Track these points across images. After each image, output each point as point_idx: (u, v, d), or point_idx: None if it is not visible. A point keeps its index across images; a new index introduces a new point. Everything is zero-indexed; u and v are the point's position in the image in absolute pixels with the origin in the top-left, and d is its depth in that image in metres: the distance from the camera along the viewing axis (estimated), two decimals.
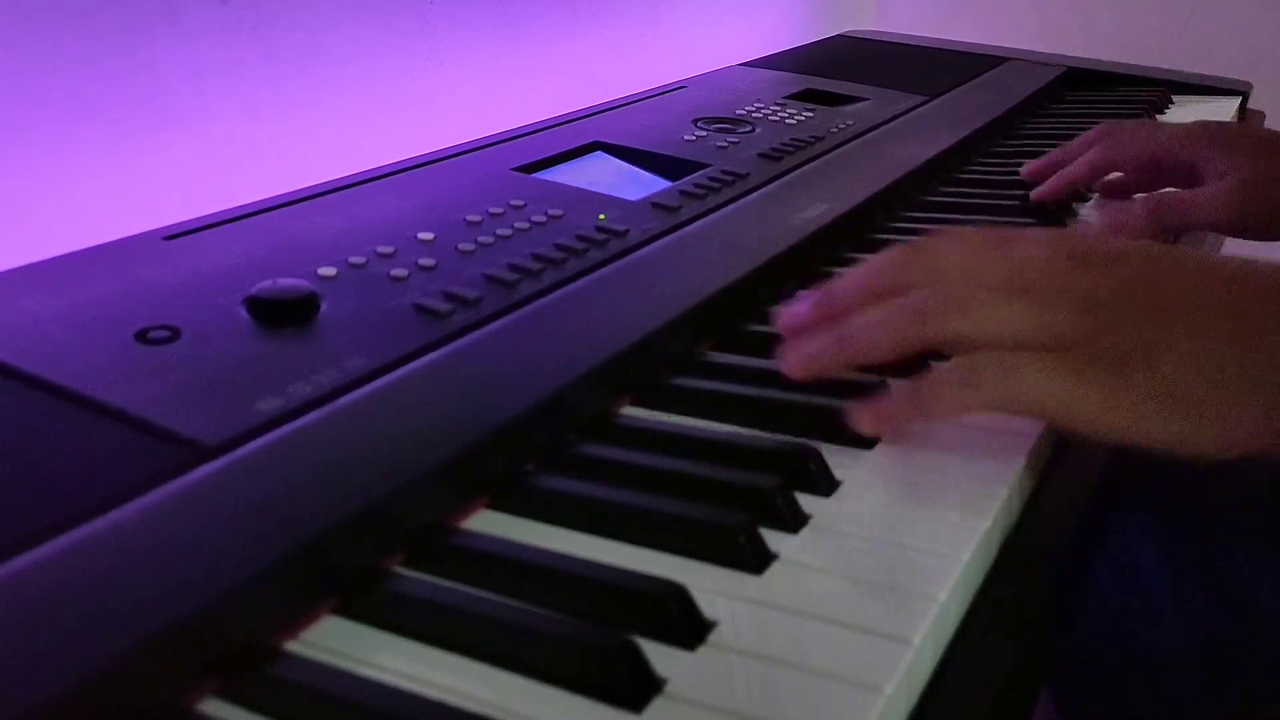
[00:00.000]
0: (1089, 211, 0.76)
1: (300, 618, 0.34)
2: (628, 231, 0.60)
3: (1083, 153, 0.75)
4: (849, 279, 0.46)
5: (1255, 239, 0.69)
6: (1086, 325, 0.41)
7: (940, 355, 0.46)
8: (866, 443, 0.45)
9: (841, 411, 0.44)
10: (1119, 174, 0.77)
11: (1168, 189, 0.72)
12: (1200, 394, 0.39)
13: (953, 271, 0.43)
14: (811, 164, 0.76)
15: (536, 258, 0.55)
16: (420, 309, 0.49)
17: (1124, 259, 0.43)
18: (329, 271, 0.52)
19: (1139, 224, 0.70)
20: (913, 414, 0.43)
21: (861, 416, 0.43)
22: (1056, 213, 0.73)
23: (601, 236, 0.59)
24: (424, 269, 0.53)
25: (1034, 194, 0.75)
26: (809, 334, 0.46)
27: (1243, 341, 0.39)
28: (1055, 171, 0.76)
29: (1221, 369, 0.39)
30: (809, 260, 0.63)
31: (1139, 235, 0.70)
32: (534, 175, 0.69)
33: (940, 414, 0.43)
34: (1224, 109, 1.09)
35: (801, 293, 0.49)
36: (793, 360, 0.45)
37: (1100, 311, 0.41)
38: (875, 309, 0.43)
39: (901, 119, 0.91)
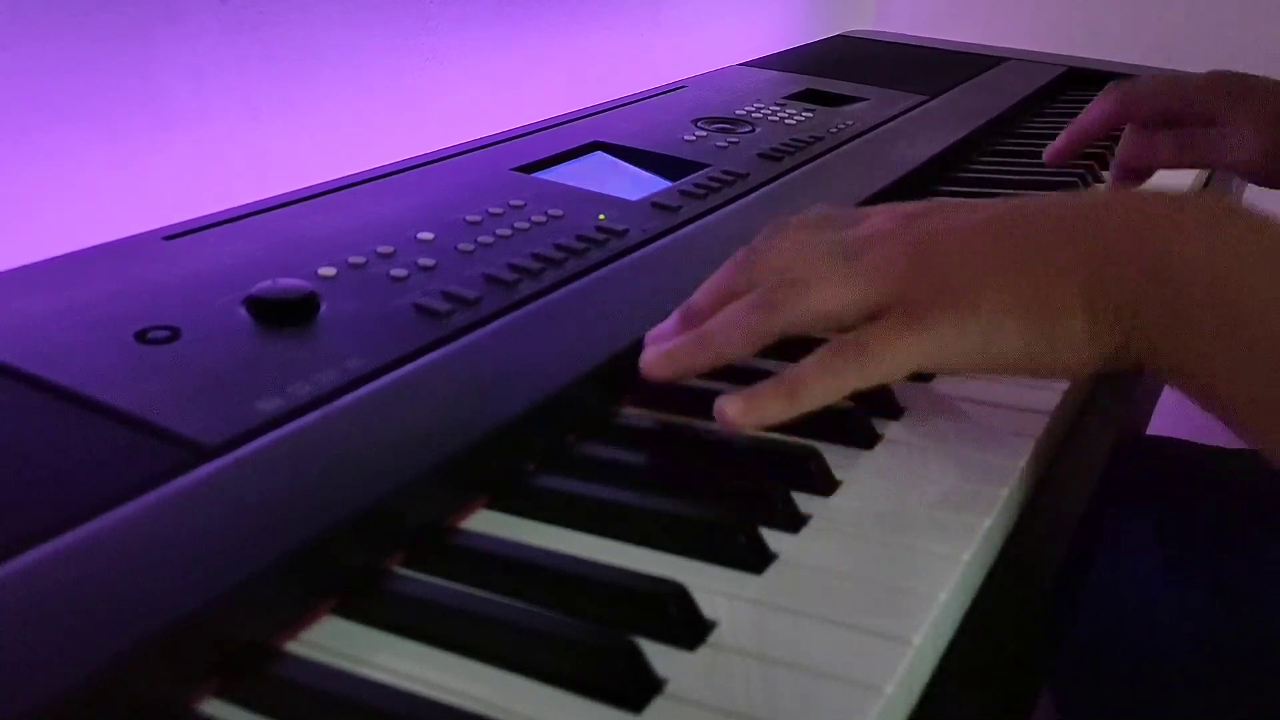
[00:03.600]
0: None
1: (300, 618, 0.34)
2: (628, 231, 0.60)
3: (1092, 107, 0.75)
4: (704, 288, 0.47)
5: (1268, 185, 0.69)
6: (922, 267, 0.42)
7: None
8: (867, 443, 0.45)
9: (844, 412, 0.45)
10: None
11: (1193, 129, 0.71)
12: (1039, 307, 0.41)
13: (791, 259, 0.45)
14: (811, 164, 0.76)
15: (536, 258, 0.55)
16: (420, 309, 0.49)
17: (951, 207, 0.45)
18: (329, 271, 0.52)
19: (1164, 155, 0.70)
20: (786, 405, 0.42)
21: (728, 408, 0.42)
22: (1071, 178, 0.71)
23: (601, 236, 0.59)
24: (424, 269, 0.53)
25: (1046, 153, 0.75)
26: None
27: (1068, 259, 0.41)
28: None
29: (1055, 286, 0.41)
30: None
31: (1163, 166, 0.71)
32: (534, 175, 0.69)
33: (812, 402, 0.42)
34: None
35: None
36: (651, 357, 0.45)
37: (933, 253, 0.43)
38: (729, 308, 0.44)
39: (901, 119, 0.91)
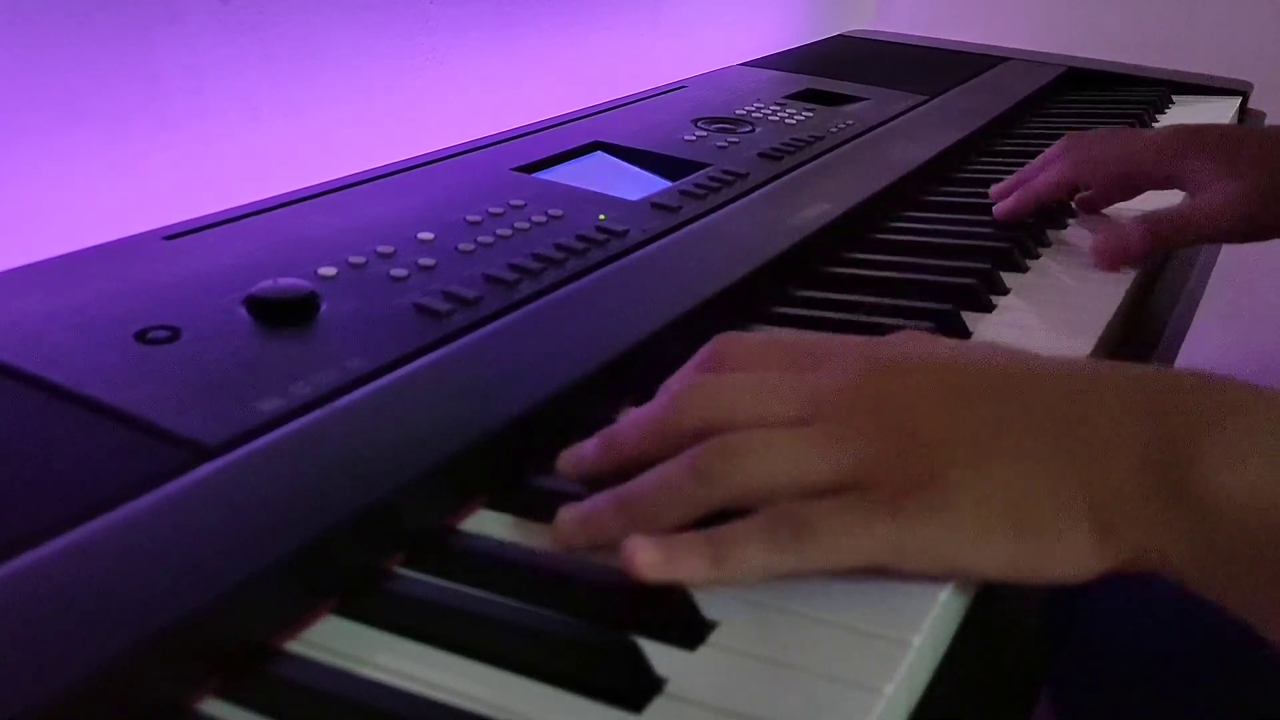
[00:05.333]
0: (1074, 231, 0.74)
1: (300, 618, 0.34)
2: (628, 231, 0.60)
3: (1046, 168, 0.72)
4: (631, 419, 0.40)
5: (1253, 241, 0.69)
6: (892, 444, 0.35)
7: None
8: None
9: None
10: (1089, 192, 0.74)
11: (1162, 208, 0.69)
12: (1034, 512, 0.34)
13: (732, 408, 0.38)
14: (811, 164, 0.76)
15: (536, 258, 0.55)
16: (420, 309, 0.49)
17: (936, 360, 0.39)
18: (329, 271, 0.52)
19: (1136, 246, 0.65)
20: (710, 571, 0.35)
21: (640, 555, 0.35)
22: (1025, 229, 0.69)
23: (601, 236, 0.59)
24: (424, 269, 0.53)
25: (996, 210, 0.71)
26: (593, 492, 0.39)
27: (1070, 453, 0.35)
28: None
29: (1054, 485, 0.34)
30: (809, 260, 0.63)
31: (1139, 257, 0.66)
32: (534, 175, 0.69)
33: (741, 578, 0.35)
34: (1224, 109, 1.09)
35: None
36: (568, 520, 0.37)
37: (907, 425, 0.36)
38: (656, 471, 0.37)
39: (901, 119, 0.91)
